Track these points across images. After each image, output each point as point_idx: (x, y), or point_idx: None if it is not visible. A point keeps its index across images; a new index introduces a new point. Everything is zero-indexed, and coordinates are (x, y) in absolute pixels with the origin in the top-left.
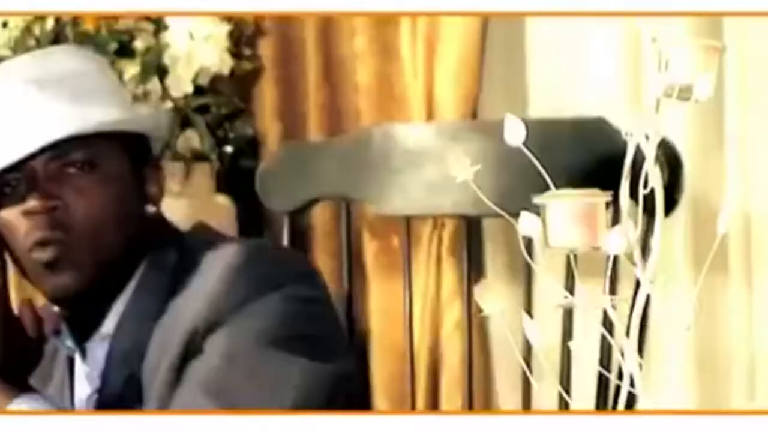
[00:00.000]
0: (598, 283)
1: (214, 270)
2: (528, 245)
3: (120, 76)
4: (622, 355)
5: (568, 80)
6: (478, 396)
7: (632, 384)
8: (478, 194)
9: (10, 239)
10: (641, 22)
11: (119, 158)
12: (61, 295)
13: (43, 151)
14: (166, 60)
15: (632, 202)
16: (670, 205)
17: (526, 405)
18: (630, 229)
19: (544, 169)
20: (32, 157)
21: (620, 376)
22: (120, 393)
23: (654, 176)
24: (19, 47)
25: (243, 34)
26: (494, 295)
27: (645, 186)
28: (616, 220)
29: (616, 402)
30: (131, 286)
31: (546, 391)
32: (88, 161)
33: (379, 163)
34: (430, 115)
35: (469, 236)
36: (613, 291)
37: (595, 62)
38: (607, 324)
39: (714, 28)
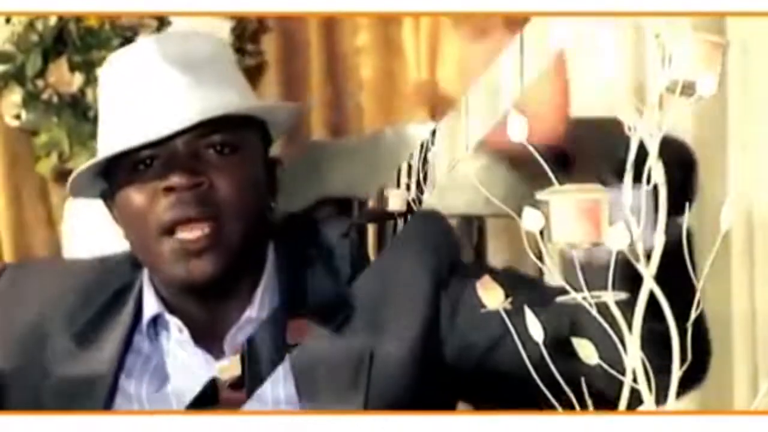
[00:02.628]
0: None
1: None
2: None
3: None
4: (625, 351)
5: (570, 76)
6: None
7: (635, 380)
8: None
9: (137, 220)
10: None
11: (256, 145)
12: (202, 280)
13: (184, 131)
14: None
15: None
16: (684, 205)
17: None
18: (632, 225)
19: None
20: (171, 136)
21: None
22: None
23: (657, 172)
24: (21, 43)
25: (246, 31)
26: (495, 292)
27: (648, 182)
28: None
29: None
30: (267, 273)
31: None
32: (228, 144)
33: (389, 162)
34: (432, 112)
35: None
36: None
37: (598, 58)
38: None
39: (717, 27)
